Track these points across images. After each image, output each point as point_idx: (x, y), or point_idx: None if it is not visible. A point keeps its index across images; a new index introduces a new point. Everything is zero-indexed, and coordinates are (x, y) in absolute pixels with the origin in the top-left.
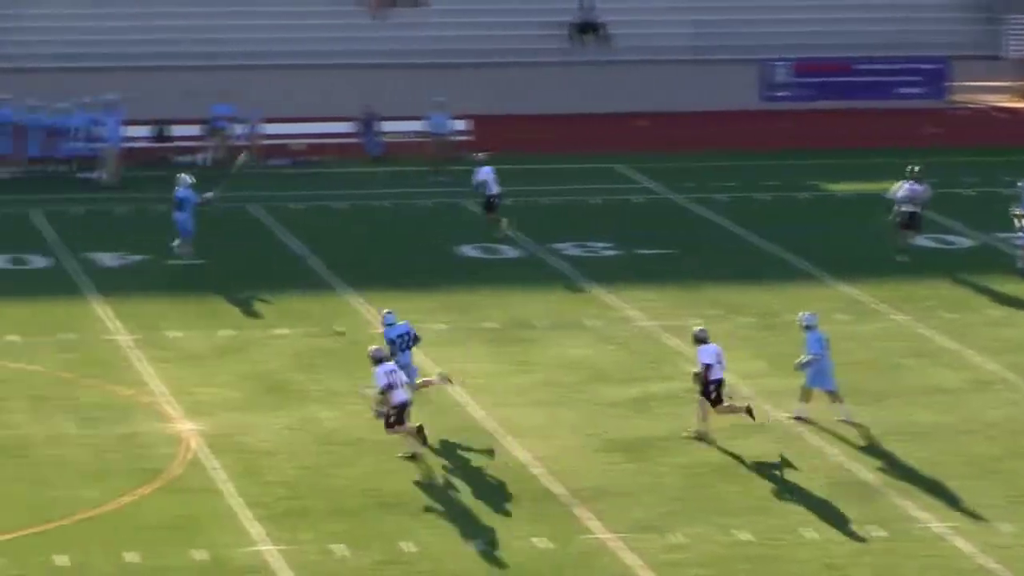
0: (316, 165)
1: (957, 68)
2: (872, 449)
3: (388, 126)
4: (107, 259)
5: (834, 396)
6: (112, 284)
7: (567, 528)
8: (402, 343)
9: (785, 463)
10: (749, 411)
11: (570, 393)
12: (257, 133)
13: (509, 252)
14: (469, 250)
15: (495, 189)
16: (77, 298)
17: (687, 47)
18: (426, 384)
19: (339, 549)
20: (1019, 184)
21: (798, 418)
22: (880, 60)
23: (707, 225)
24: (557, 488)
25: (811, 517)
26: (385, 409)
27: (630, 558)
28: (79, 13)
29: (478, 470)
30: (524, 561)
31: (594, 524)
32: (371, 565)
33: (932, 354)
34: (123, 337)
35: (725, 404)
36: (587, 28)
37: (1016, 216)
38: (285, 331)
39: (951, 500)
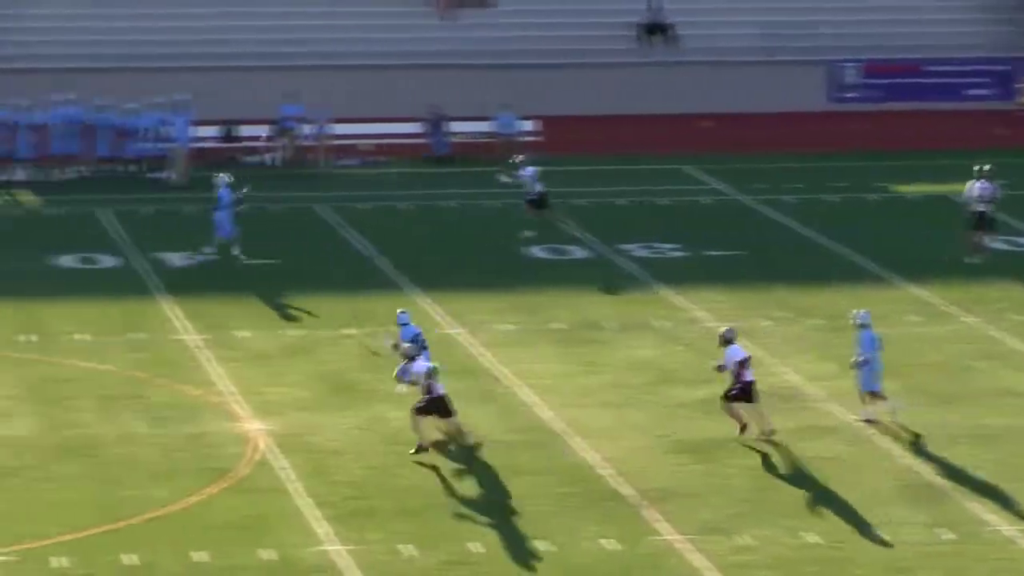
0: (383, 165)
1: None
2: (941, 452)
3: (455, 126)
4: (176, 259)
5: (876, 396)
6: (181, 284)
7: (635, 530)
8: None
9: (853, 465)
10: (743, 429)
11: (638, 394)
12: (325, 133)
13: (577, 253)
14: (537, 251)
15: (538, 188)
16: (146, 298)
17: (755, 48)
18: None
19: (407, 549)
20: None
21: (867, 421)
22: (950, 62)
23: (775, 227)
24: (625, 489)
25: (879, 519)
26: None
27: (698, 560)
28: (149, 13)
29: (545, 471)
30: (592, 563)
31: (662, 526)
32: (438, 565)
33: (1003, 356)
34: (192, 337)
35: (734, 405)
36: (655, 29)
37: None
38: (353, 331)
39: (1021, 503)
